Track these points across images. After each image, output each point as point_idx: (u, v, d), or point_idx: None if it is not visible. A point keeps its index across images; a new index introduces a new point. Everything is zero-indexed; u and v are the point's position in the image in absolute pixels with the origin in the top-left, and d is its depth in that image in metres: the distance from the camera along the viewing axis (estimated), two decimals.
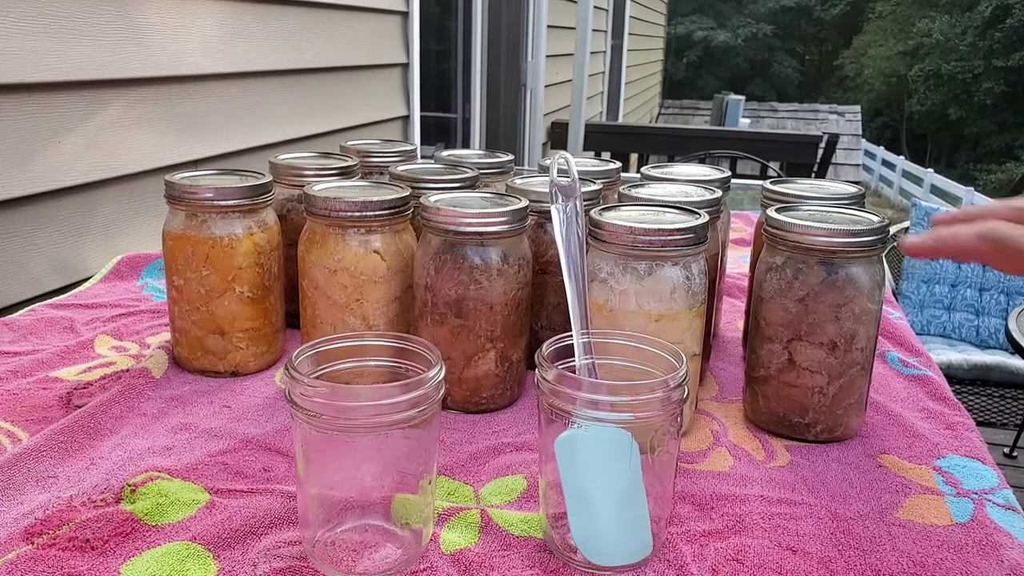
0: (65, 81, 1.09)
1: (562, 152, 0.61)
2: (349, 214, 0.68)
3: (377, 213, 0.69)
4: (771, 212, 0.67)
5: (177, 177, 0.73)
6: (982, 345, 2.47)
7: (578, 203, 0.58)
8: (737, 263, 1.16)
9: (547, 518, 0.53)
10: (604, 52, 5.90)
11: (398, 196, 0.70)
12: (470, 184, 0.80)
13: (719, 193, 0.76)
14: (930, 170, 9.02)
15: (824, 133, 4.00)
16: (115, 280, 1.03)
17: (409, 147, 0.96)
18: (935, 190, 8.41)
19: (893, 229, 2.49)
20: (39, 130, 1.05)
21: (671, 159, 3.56)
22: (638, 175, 0.87)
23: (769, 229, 0.66)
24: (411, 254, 0.71)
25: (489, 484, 0.60)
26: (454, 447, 0.64)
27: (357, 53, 2.00)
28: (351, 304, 0.70)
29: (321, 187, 0.73)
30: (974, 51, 14.88)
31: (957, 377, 2.20)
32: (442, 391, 0.49)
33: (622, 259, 0.61)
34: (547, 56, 3.95)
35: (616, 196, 0.80)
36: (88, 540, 0.51)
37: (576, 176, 0.58)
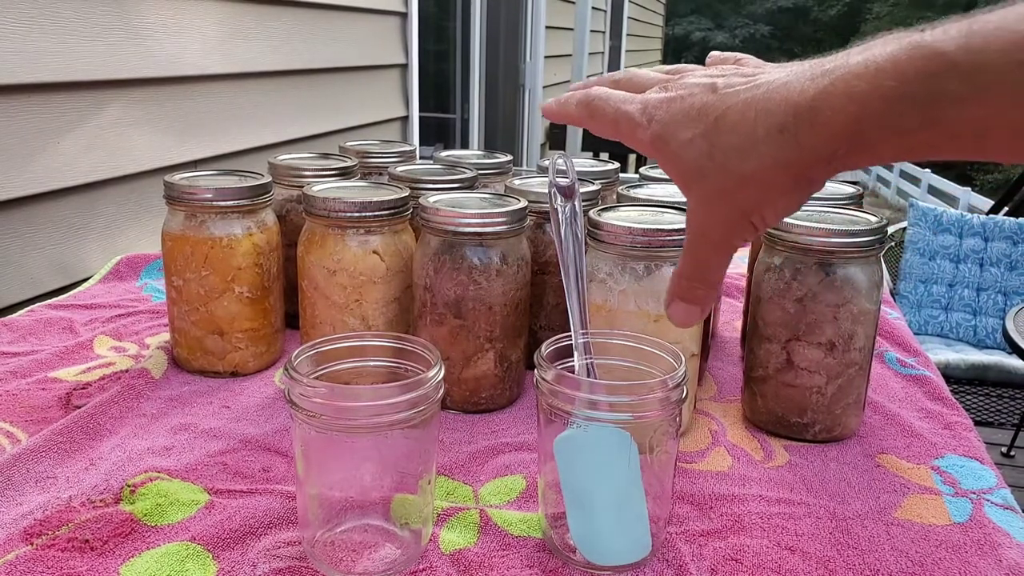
0: (65, 82, 1.09)
1: (561, 153, 0.61)
2: (348, 214, 0.68)
3: (376, 213, 0.69)
4: None
5: (176, 177, 0.74)
6: (979, 345, 2.48)
7: (577, 204, 0.58)
8: (735, 263, 1.16)
9: (546, 518, 0.53)
10: (602, 53, 5.90)
11: (397, 196, 0.71)
12: (469, 184, 0.80)
13: None
14: (927, 170, 9.02)
15: None
16: (114, 280, 1.03)
17: (408, 147, 0.96)
18: (932, 190, 8.41)
19: (891, 229, 2.49)
20: (39, 131, 1.05)
21: None
22: (636, 176, 0.87)
23: (768, 229, 0.66)
24: (410, 255, 0.71)
25: (488, 484, 0.60)
26: (453, 447, 0.65)
27: (356, 54, 2.00)
28: (350, 304, 0.70)
29: (320, 187, 0.73)
30: None
31: (955, 377, 2.20)
32: (441, 391, 0.49)
33: (621, 259, 0.61)
34: (545, 57, 3.95)
35: (615, 196, 0.80)
36: (87, 541, 0.51)
37: (575, 177, 0.58)
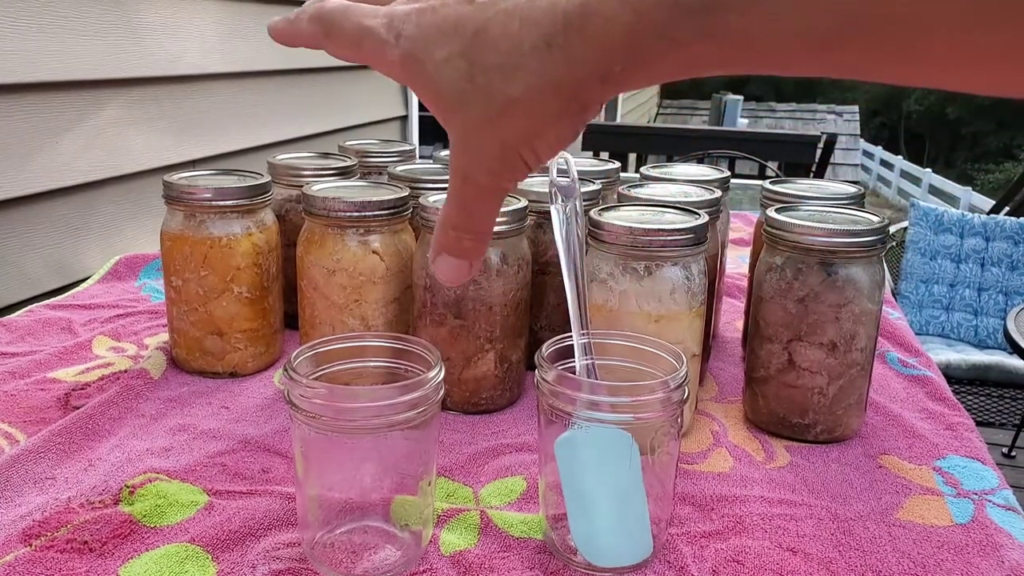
0: (63, 81, 1.08)
1: (562, 152, 0.60)
2: (348, 214, 0.68)
3: (376, 213, 0.69)
4: (771, 212, 0.67)
5: (175, 177, 0.73)
6: (980, 345, 2.48)
7: (578, 203, 0.57)
8: (736, 263, 1.16)
9: (547, 519, 0.53)
10: None
11: (397, 196, 0.70)
12: None
13: (718, 193, 0.76)
14: (928, 170, 9.03)
15: (822, 133, 4.00)
16: (113, 281, 1.02)
17: (408, 147, 0.96)
18: (933, 190, 8.41)
19: (892, 229, 2.49)
20: (37, 130, 1.05)
21: (670, 159, 3.56)
22: (637, 175, 0.86)
23: (769, 229, 0.66)
24: (410, 254, 0.71)
25: (489, 485, 0.59)
26: (453, 448, 0.64)
27: None
28: (350, 305, 0.70)
29: (320, 187, 0.73)
30: None
31: (956, 377, 2.20)
32: (441, 392, 0.49)
33: (622, 259, 0.61)
34: None
35: (616, 196, 0.80)
36: (86, 542, 0.51)
37: (576, 176, 0.57)
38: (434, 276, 0.40)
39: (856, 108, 10.98)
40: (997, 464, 0.65)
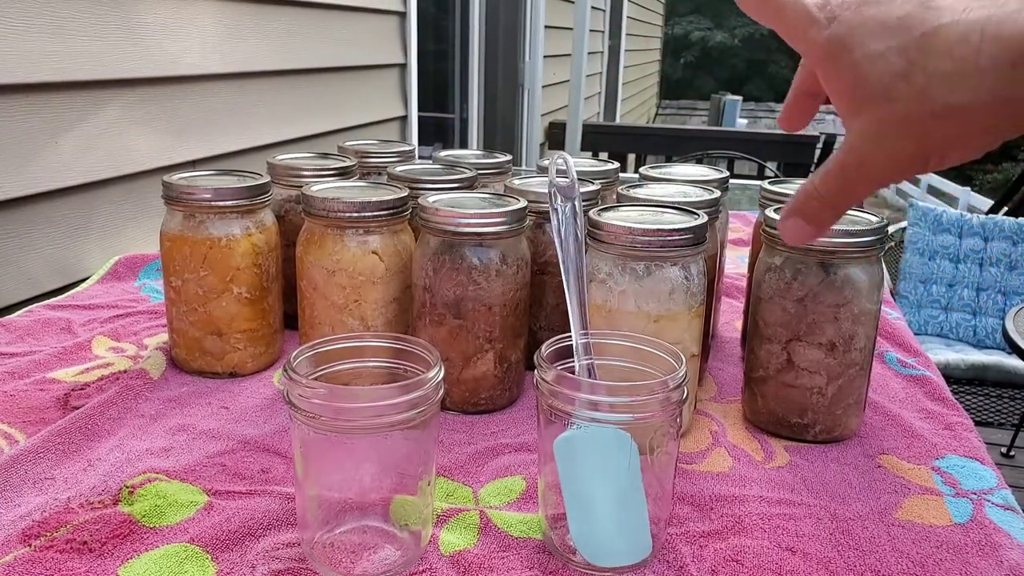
0: (63, 81, 1.08)
1: (561, 152, 0.61)
2: (347, 214, 0.68)
3: (375, 214, 0.69)
4: (770, 212, 0.67)
5: (175, 178, 0.73)
6: (979, 345, 2.48)
7: (577, 203, 0.58)
8: (735, 263, 1.17)
9: (546, 519, 0.53)
10: (601, 53, 5.90)
11: (396, 196, 0.70)
12: (468, 184, 0.80)
13: (718, 193, 0.76)
14: None
15: (821, 133, 4.00)
16: (113, 281, 1.02)
17: (407, 147, 0.96)
18: (932, 190, 8.41)
19: (891, 229, 2.49)
20: (37, 131, 1.05)
21: (669, 159, 3.56)
22: (636, 175, 0.87)
23: (768, 229, 0.66)
24: (409, 255, 0.71)
25: (488, 485, 0.59)
26: (453, 448, 0.64)
27: (355, 53, 2.00)
28: (349, 305, 0.70)
29: (319, 187, 0.73)
30: None
31: (954, 377, 2.20)
32: (441, 392, 0.49)
33: (621, 259, 0.61)
34: (545, 56, 3.95)
35: (615, 196, 0.80)
36: (86, 542, 0.51)
37: (575, 177, 0.57)
38: (782, 232, 0.42)
39: None
40: (996, 464, 0.65)
